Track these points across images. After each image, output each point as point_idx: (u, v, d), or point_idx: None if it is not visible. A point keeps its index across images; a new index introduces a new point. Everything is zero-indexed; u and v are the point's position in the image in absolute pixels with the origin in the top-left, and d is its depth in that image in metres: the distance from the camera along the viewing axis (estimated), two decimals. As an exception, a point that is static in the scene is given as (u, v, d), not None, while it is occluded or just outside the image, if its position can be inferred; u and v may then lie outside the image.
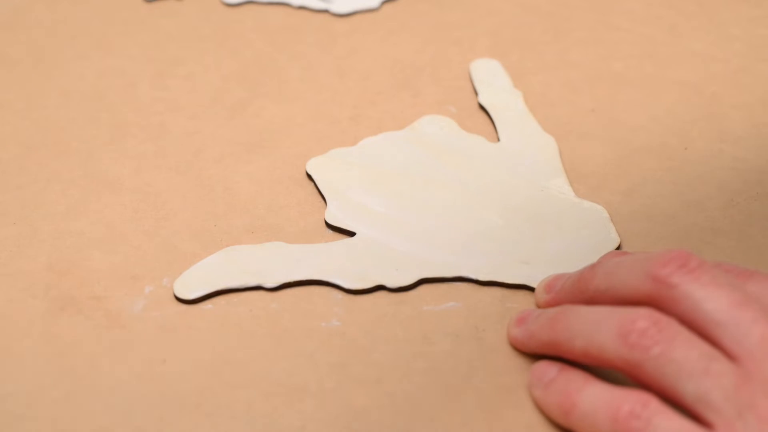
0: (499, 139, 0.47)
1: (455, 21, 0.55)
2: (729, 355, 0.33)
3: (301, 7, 0.56)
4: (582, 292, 0.38)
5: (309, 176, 0.46)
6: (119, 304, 0.40)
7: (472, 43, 0.53)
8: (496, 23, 0.54)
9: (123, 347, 0.39)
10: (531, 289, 0.41)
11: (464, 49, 0.53)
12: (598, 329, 0.35)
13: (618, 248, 0.42)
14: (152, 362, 0.38)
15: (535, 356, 0.38)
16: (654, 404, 0.33)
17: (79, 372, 0.38)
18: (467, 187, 0.45)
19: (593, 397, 0.35)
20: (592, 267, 0.38)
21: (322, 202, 0.45)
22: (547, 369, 0.37)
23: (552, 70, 0.51)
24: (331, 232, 0.43)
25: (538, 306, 0.40)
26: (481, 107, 0.49)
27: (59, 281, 0.41)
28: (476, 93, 0.50)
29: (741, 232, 0.43)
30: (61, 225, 0.44)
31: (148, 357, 0.39)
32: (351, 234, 0.43)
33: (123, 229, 0.44)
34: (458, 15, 0.55)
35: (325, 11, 0.56)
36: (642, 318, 0.34)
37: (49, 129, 0.49)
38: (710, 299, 0.34)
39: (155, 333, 0.39)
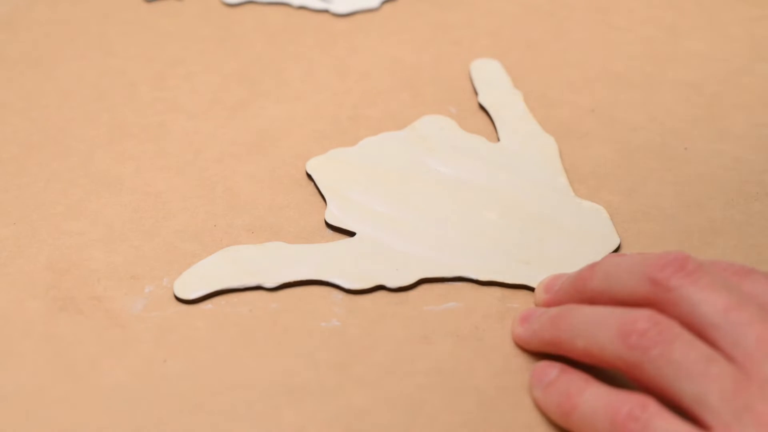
0: (499, 139, 0.47)
1: (455, 21, 0.55)
2: (728, 357, 0.33)
3: (301, 7, 0.56)
4: (580, 292, 0.38)
5: (309, 176, 0.46)
6: (119, 304, 0.40)
7: (472, 43, 0.53)
8: (496, 23, 0.54)
9: (123, 347, 0.39)
10: (531, 289, 0.41)
11: (464, 49, 0.53)
12: (599, 329, 0.35)
13: (618, 248, 0.42)
14: (152, 362, 0.38)
15: (536, 356, 0.38)
16: (653, 407, 0.33)
17: (79, 372, 0.38)
18: (467, 187, 0.45)
19: (593, 399, 0.35)
20: (591, 267, 0.38)
21: (322, 202, 0.45)
22: (548, 370, 0.37)
23: (552, 70, 0.51)
24: (331, 232, 0.43)
25: (537, 306, 0.40)
26: (481, 107, 0.49)
27: (59, 281, 0.41)
28: (476, 93, 0.50)
29: (741, 232, 0.43)
30: (61, 225, 0.44)
31: (148, 357, 0.39)
32: (351, 234, 0.43)
33: (123, 229, 0.44)
34: (458, 15, 0.55)
35: (325, 11, 0.56)
36: (642, 319, 0.34)
37: (49, 129, 0.49)
38: (707, 302, 0.34)
39: (155, 333, 0.39)
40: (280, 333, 0.39)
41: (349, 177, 0.45)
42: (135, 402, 0.37)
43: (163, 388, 0.38)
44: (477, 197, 0.44)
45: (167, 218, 0.44)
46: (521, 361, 0.39)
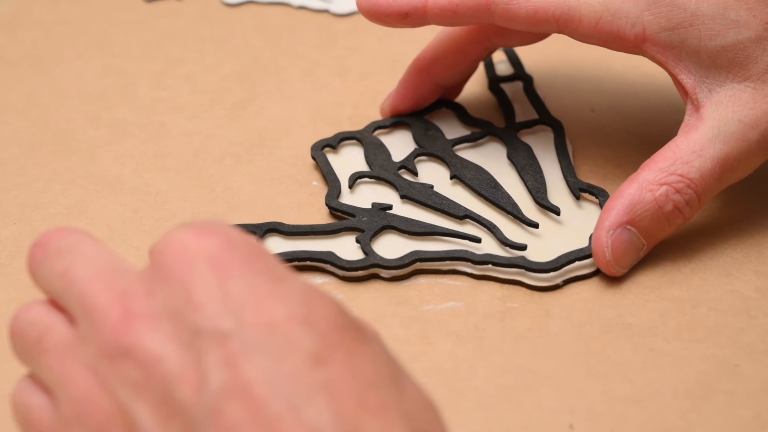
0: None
1: (455, 21, 0.55)
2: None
3: (301, 7, 0.56)
4: None
5: (317, 164, 0.46)
6: (119, 304, 0.40)
7: (472, 43, 0.53)
8: (496, 23, 0.54)
9: (123, 347, 0.39)
10: (525, 286, 0.41)
11: (464, 49, 0.53)
12: None
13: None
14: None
15: (539, 360, 0.38)
16: None
17: (79, 372, 0.38)
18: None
19: None
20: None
21: (322, 202, 0.44)
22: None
23: (552, 70, 0.51)
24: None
25: None
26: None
27: (59, 281, 0.41)
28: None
29: (741, 232, 0.43)
30: (61, 225, 0.44)
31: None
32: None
33: (123, 229, 0.44)
34: (458, 15, 0.55)
35: (325, 11, 0.56)
36: None
37: (49, 129, 0.49)
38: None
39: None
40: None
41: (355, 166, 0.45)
42: (135, 402, 0.37)
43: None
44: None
45: (167, 218, 0.44)
46: (521, 361, 0.39)
